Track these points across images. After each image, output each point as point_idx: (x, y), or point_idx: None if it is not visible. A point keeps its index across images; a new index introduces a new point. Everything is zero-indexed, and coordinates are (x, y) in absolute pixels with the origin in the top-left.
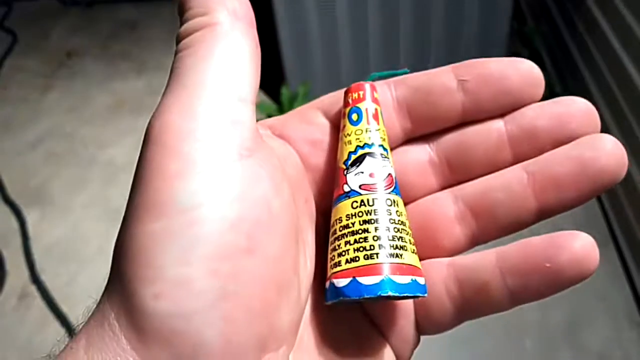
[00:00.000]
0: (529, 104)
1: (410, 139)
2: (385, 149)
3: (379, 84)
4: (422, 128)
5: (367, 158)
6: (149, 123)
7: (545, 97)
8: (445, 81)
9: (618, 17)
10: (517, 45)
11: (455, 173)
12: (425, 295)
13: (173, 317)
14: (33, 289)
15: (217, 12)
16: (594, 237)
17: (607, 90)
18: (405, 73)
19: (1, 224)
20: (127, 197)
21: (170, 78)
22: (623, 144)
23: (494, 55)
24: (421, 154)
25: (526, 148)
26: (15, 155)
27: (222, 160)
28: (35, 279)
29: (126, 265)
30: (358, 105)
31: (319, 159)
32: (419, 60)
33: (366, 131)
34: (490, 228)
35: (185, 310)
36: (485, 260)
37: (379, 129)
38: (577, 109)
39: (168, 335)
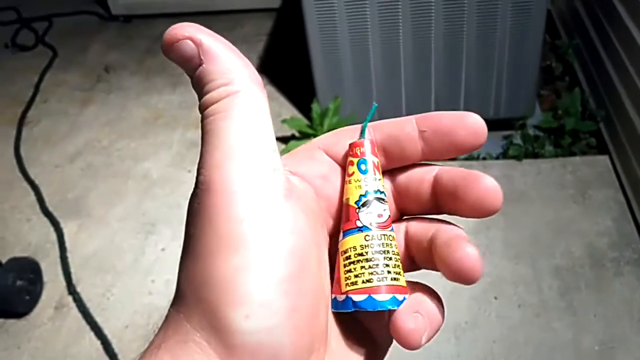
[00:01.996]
0: (474, 149)
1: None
2: (385, 196)
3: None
4: (393, 163)
5: (375, 202)
6: (203, 176)
7: (579, 113)
8: (410, 131)
9: None
10: (550, 59)
11: (404, 203)
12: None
13: (260, 333)
14: (69, 299)
15: (237, 81)
16: (628, 255)
17: None
18: (376, 107)
19: (40, 236)
20: (160, 211)
21: (208, 138)
22: None
23: (527, 70)
24: (387, 185)
25: (443, 197)
26: (53, 167)
27: (275, 202)
28: (72, 290)
29: (212, 294)
30: (365, 157)
31: (329, 190)
32: (451, 73)
33: (374, 180)
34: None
35: (269, 325)
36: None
37: (381, 179)
38: (483, 184)
39: (254, 347)
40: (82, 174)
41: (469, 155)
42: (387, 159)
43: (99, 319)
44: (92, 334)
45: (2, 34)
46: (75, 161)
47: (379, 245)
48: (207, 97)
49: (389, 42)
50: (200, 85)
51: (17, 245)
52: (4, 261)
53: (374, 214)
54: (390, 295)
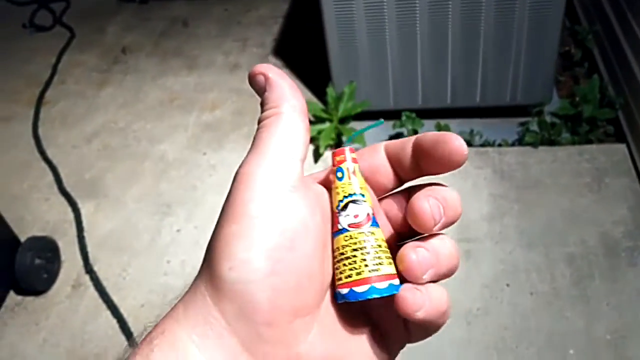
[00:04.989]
0: (455, 163)
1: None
2: (362, 195)
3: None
4: (402, 177)
5: (351, 204)
6: (237, 171)
7: (597, 100)
8: (409, 148)
9: None
10: (569, 44)
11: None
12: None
13: (239, 283)
14: (86, 278)
15: (283, 106)
16: None
17: None
18: (381, 123)
19: (58, 215)
20: (176, 193)
21: (253, 143)
22: None
23: (546, 55)
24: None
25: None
26: (71, 148)
27: (278, 192)
28: (89, 269)
29: (213, 251)
30: (341, 165)
31: None
32: (468, 58)
33: (348, 185)
34: None
35: (247, 279)
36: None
37: (357, 182)
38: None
39: (235, 294)
40: (99, 155)
41: (484, 141)
42: (396, 176)
43: (115, 298)
44: (108, 312)
45: (20, 14)
46: (92, 142)
47: (355, 244)
48: (262, 114)
49: (405, 27)
50: (261, 105)
51: (35, 224)
52: (22, 240)
53: (351, 216)
54: (369, 286)
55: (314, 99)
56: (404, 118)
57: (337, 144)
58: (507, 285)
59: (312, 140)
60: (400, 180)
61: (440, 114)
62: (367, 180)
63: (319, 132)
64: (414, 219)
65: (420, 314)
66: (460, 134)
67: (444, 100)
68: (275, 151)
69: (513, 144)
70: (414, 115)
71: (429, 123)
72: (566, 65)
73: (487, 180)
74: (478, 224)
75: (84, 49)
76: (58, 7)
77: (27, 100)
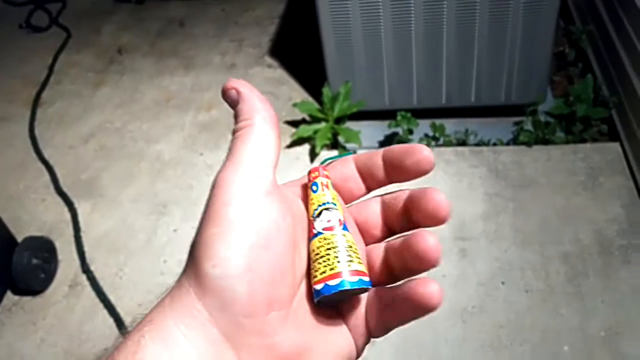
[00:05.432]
0: (421, 172)
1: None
2: (334, 204)
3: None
4: (370, 186)
5: (324, 211)
6: (215, 178)
7: (591, 99)
8: (378, 159)
9: None
10: (563, 45)
11: (366, 183)
12: (370, 287)
13: (221, 279)
14: (83, 278)
15: (255, 118)
16: (637, 243)
17: None
18: (350, 154)
19: (54, 215)
20: (172, 193)
21: (228, 152)
22: None
23: (540, 55)
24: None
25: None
26: (67, 148)
27: (252, 197)
28: (86, 268)
29: (197, 252)
30: (315, 180)
31: None
32: (463, 58)
33: (322, 195)
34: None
35: (227, 274)
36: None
37: (330, 193)
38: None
39: (217, 289)
40: (96, 155)
41: (479, 141)
42: (365, 184)
43: (112, 298)
44: (105, 312)
45: (16, 15)
46: (88, 142)
47: (329, 244)
48: (236, 126)
49: (400, 27)
50: (235, 117)
51: (32, 225)
52: (19, 240)
53: (324, 221)
54: (341, 279)
55: (310, 99)
56: (399, 118)
57: (333, 143)
58: (502, 283)
59: (308, 140)
60: (367, 188)
61: (435, 113)
62: (338, 188)
63: (315, 132)
64: (435, 209)
65: (438, 306)
66: (456, 133)
67: (439, 100)
68: (249, 159)
69: (508, 143)
70: (409, 115)
71: (424, 123)
72: (560, 65)
73: (482, 179)
74: (473, 222)
75: (80, 49)
76: (54, 8)
77: (24, 101)
